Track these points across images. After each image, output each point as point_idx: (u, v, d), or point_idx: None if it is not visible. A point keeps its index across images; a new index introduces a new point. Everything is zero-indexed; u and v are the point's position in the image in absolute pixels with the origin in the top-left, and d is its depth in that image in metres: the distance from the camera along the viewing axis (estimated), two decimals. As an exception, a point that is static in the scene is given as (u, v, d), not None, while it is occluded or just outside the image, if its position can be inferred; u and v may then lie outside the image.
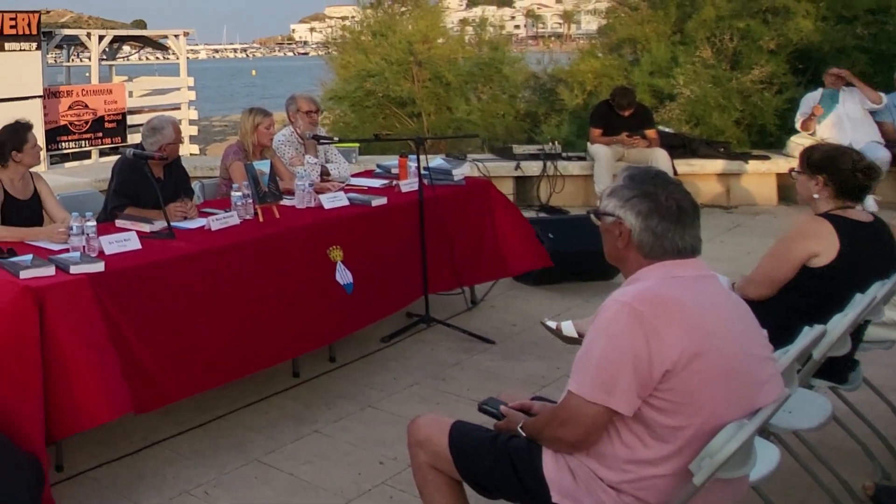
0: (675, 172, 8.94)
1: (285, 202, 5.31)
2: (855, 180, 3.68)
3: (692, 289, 2.43)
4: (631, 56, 12.37)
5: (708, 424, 2.36)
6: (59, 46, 14.27)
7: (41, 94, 10.75)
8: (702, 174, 9.64)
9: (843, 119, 9.19)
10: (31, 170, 5.39)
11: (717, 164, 9.72)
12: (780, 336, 3.03)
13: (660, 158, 8.96)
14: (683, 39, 11.53)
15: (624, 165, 7.66)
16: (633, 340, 2.32)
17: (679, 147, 9.68)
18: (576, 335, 3.45)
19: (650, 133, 9.29)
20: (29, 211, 5.21)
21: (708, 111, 10.70)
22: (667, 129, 10.13)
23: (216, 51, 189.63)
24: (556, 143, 10.06)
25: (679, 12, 11.71)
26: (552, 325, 3.56)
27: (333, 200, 5.41)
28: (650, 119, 9.54)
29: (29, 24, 10.57)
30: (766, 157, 9.82)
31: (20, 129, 5.21)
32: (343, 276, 5.04)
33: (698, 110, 10.80)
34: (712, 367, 2.35)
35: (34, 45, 10.65)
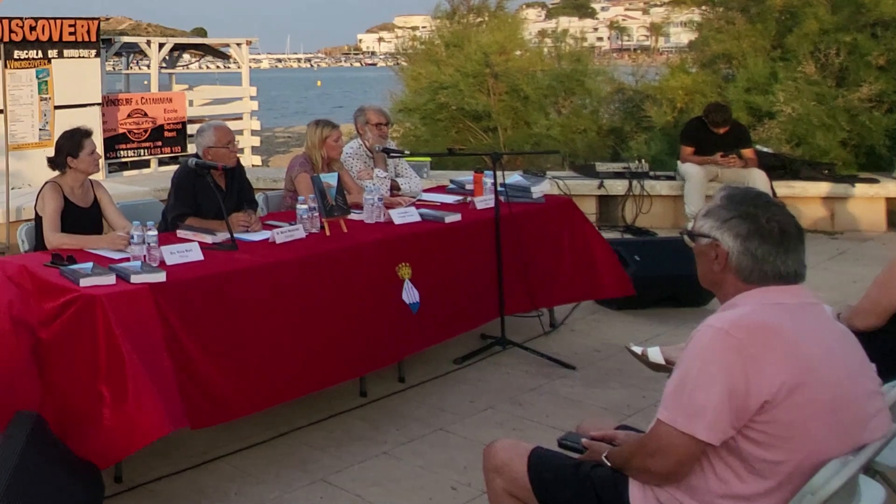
0: (775, 194, 8.84)
1: (353, 216, 5.40)
2: None
3: (795, 317, 2.42)
4: (725, 71, 12.28)
5: (809, 460, 2.35)
6: (118, 54, 14.78)
7: (100, 101, 11.12)
8: (803, 197, 9.52)
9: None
10: (91, 178, 5.59)
11: (821, 187, 9.60)
12: (890, 368, 2.98)
13: (757, 179, 8.88)
14: (784, 54, 11.42)
15: (718, 186, 7.60)
16: (729, 369, 2.31)
17: (779, 168, 9.59)
18: (663, 362, 3.43)
19: (747, 152, 9.22)
20: (89, 219, 5.41)
21: (811, 130, 10.56)
22: (765, 149, 10.03)
23: (279, 60, 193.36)
24: (644, 161, 10.03)
25: (779, 26, 11.61)
26: (638, 350, 3.55)
27: (404, 216, 5.49)
28: (747, 138, 9.47)
29: (88, 32, 10.97)
30: (875, 181, 9.67)
31: (76, 135, 5.42)
32: (410, 294, 5.10)
33: (800, 129, 10.66)
34: (815, 399, 2.33)
35: (93, 52, 11.04)
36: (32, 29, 10.42)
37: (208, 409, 4.08)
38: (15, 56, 10.19)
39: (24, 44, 10.33)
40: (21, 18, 10.40)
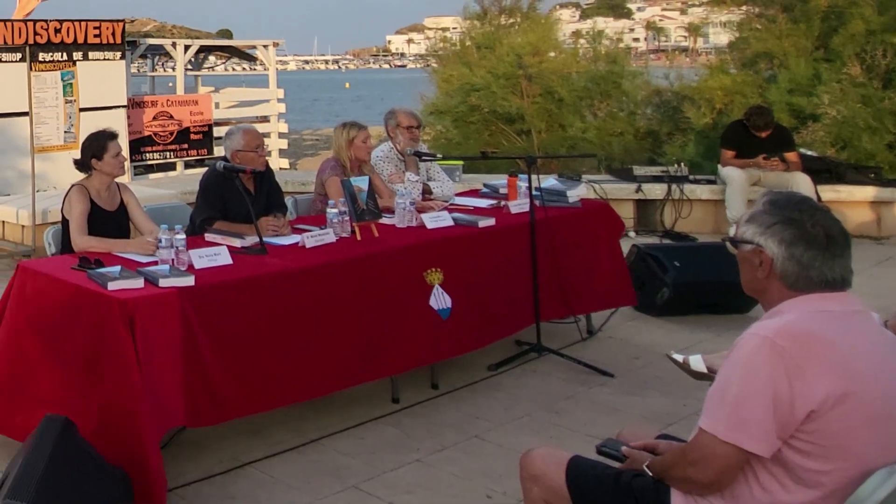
0: (819, 199, 8.78)
1: (384, 220, 5.44)
2: None
3: (841, 325, 2.42)
4: (767, 72, 12.22)
5: (855, 470, 2.34)
6: (143, 56, 14.91)
7: (125, 104, 11.24)
8: (849, 201, 9.44)
9: None
10: (118, 180, 5.66)
11: (868, 191, 9.52)
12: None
13: (801, 183, 8.83)
14: (828, 55, 11.35)
15: (760, 191, 7.56)
16: (774, 378, 2.31)
17: (823, 172, 9.52)
18: (705, 370, 3.42)
19: (791, 156, 9.17)
20: (115, 222, 5.47)
21: (857, 133, 10.49)
22: (809, 152, 9.97)
23: (306, 62, 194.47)
24: (683, 164, 10.01)
25: (823, 26, 11.54)
26: (679, 358, 3.54)
27: (437, 220, 5.51)
28: (790, 141, 9.42)
29: (113, 34, 11.11)
30: (924, 184, 9.55)
31: (101, 138, 5.50)
32: (439, 300, 5.13)
33: (845, 132, 10.59)
34: (862, 409, 2.33)
35: (118, 54, 11.18)
36: (57, 31, 10.56)
37: (211, 408, 4.14)
38: (40, 58, 10.32)
39: (49, 46, 10.47)
40: (46, 21, 10.55)
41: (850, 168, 9.75)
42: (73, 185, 5.48)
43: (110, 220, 5.46)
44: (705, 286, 6.48)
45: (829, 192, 9.26)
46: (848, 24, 11.08)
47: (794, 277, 2.46)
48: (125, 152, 6.08)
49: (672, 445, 2.71)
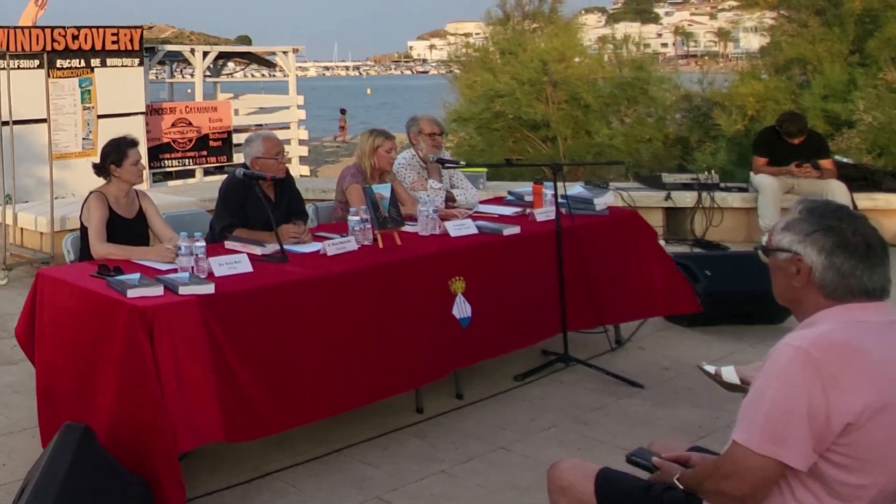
0: (855, 207, 8.74)
1: (407, 228, 5.45)
2: None
3: (879, 335, 2.41)
4: (800, 78, 12.17)
5: (894, 484, 2.34)
6: (161, 63, 15.04)
7: (144, 110, 11.33)
8: (886, 210, 9.37)
9: None
10: (137, 188, 5.71)
11: (905, 199, 9.44)
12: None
13: (836, 191, 8.79)
14: (863, 60, 11.29)
15: (794, 199, 7.51)
16: (809, 390, 2.30)
17: (859, 179, 9.46)
18: (738, 381, 3.41)
19: (825, 163, 9.12)
20: (134, 229, 5.52)
21: (893, 140, 10.42)
22: (845, 160, 9.91)
23: (326, 68, 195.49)
24: (713, 172, 9.98)
25: (858, 30, 11.48)
26: (711, 369, 3.52)
27: (461, 228, 5.52)
28: (825, 147, 9.38)
29: (131, 40, 11.20)
30: (962, 192, 9.48)
31: (122, 144, 5.57)
32: (461, 309, 5.14)
33: (882, 139, 10.53)
34: (901, 421, 2.31)
35: (136, 60, 11.27)
36: (75, 38, 10.67)
37: (247, 422, 4.14)
38: (58, 65, 10.43)
39: (67, 53, 10.57)
40: (63, 27, 10.66)
41: (888, 175, 9.69)
42: (91, 193, 5.53)
43: (129, 228, 5.51)
44: (737, 296, 6.45)
45: (865, 201, 9.20)
46: (884, 27, 11.02)
47: (832, 286, 2.45)
48: (144, 159, 6.12)
49: (705, 458, 2.70)
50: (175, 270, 4.49)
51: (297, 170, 14.33)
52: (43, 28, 10.66)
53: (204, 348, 4.00)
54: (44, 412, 4.44)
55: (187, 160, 12.31)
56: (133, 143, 5.61)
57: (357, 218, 5.24)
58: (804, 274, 2.49)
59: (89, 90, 10.72)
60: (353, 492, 4.26)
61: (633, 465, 2.83)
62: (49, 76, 9.79)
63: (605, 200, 6.40)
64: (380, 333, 4.72)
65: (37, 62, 10.15)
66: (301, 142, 14.89)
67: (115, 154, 5.54)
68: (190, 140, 12.29)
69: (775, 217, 8.49)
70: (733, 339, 6.44)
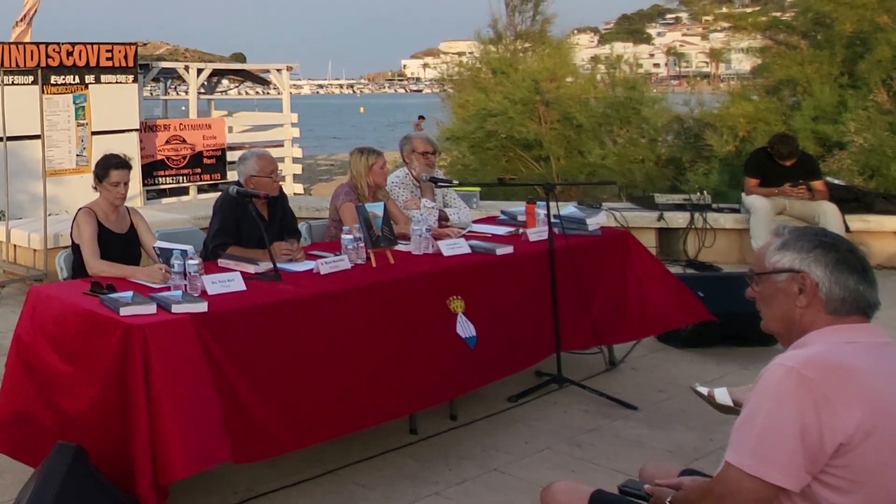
0: (847, 228, 8.77)
1: (400, 247, 5.44)
2: None
3: (870, 356, 2.40)
4: (791, 99, 12.22)
5: (887, 505, 2.32)
6: (156, 79, 15.05)
7: (138, 127, 11.34)
8: (878, 232, 9.39)
9: None
10: (128, 204, 5.70)
11: (897, 221, 9.46)
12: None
13: (828, 213, 8.81)
14: (854, 82, 11.34)
15: (784, 220, 7.54)
16: (801, 410, 2.29)
17: (851, 201, 9.46)
18: (731, 403, 3.41)
19: (817, 184, 9.13)
20: (125, 245, 5.52)
21: (885, 162, 10.45)
22: (836, 181, 9.93)
23: (320, 86, 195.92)
24: (706, 192, 10.00)
25: (848, 52, 11.53)
26: (703, 390, 3.53)
27: (454, 247, 5.51)
28: (816, 169, 9.40)
29: (125, 57, 11.24)
30: (954, 215, 9.49)
31: (108, 162, 5.58)
32: (465, 328, 5.12)
33: (873, 160, 10.56)
34: (893, 442, 2.31)
35: (131, 77, 11.31)
36: (69, 54, 10.69)
37: (252, 443, 4.10)
38: (52, 81, 10.45)
39: (61, 69, 10.60)
40: (58, 43, 10.68)
41: (879, 197, 9.70)
42: (79, 209, 5.52)
43: (119, 243, 5.50)
44: (730, 317, 6.44)
45: (857, 222, 9.22)
46: (874, 49, 11.08)
47: (838, 302, 2.45)
48: (137, 176, 6.11)
49: (697, 481, 2.69)
50: (168, 288, 4.47)
51: (291, 188, 14.34)
52: (37, 44, 10.68)
53: (202, 367, 3.96)
54: (27, 429, 4.37)
55: (181, 177, 12.32)
56: (120, 165, 5.56)
57: (350, 236, 5.23)
58: (811, 290, 2.47)
59: (83, 106, 10.74)
60: (347, 513, 4.24)
61: (625, 495, 2.83)
62: (43, 92, 9.79)
63: (597, 220, 6.40)
64: (375, 353, 4.68)
65: (31, 78, 10.17)
66: (295, 160, 14.90)
67: (100, 169, 5.55)
68: (184, 157, 12.29)
69: (767, 238, 8.48)
70: (727, 360, 6.44)
